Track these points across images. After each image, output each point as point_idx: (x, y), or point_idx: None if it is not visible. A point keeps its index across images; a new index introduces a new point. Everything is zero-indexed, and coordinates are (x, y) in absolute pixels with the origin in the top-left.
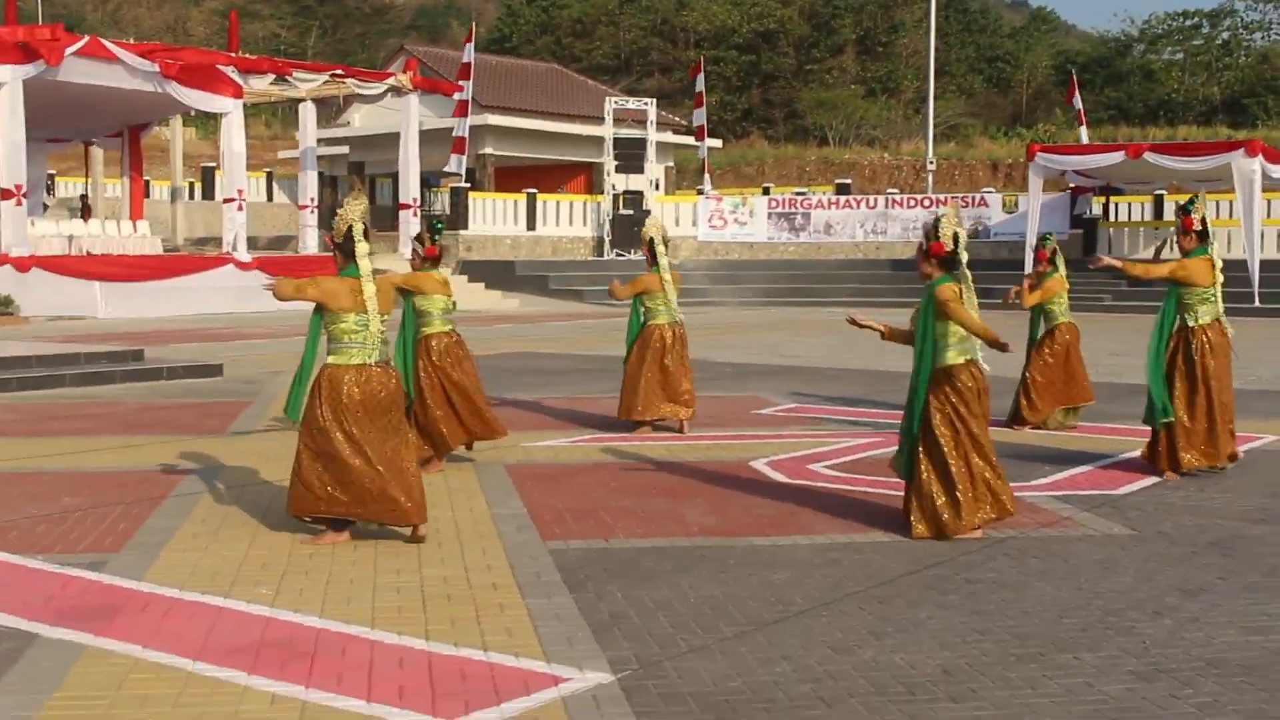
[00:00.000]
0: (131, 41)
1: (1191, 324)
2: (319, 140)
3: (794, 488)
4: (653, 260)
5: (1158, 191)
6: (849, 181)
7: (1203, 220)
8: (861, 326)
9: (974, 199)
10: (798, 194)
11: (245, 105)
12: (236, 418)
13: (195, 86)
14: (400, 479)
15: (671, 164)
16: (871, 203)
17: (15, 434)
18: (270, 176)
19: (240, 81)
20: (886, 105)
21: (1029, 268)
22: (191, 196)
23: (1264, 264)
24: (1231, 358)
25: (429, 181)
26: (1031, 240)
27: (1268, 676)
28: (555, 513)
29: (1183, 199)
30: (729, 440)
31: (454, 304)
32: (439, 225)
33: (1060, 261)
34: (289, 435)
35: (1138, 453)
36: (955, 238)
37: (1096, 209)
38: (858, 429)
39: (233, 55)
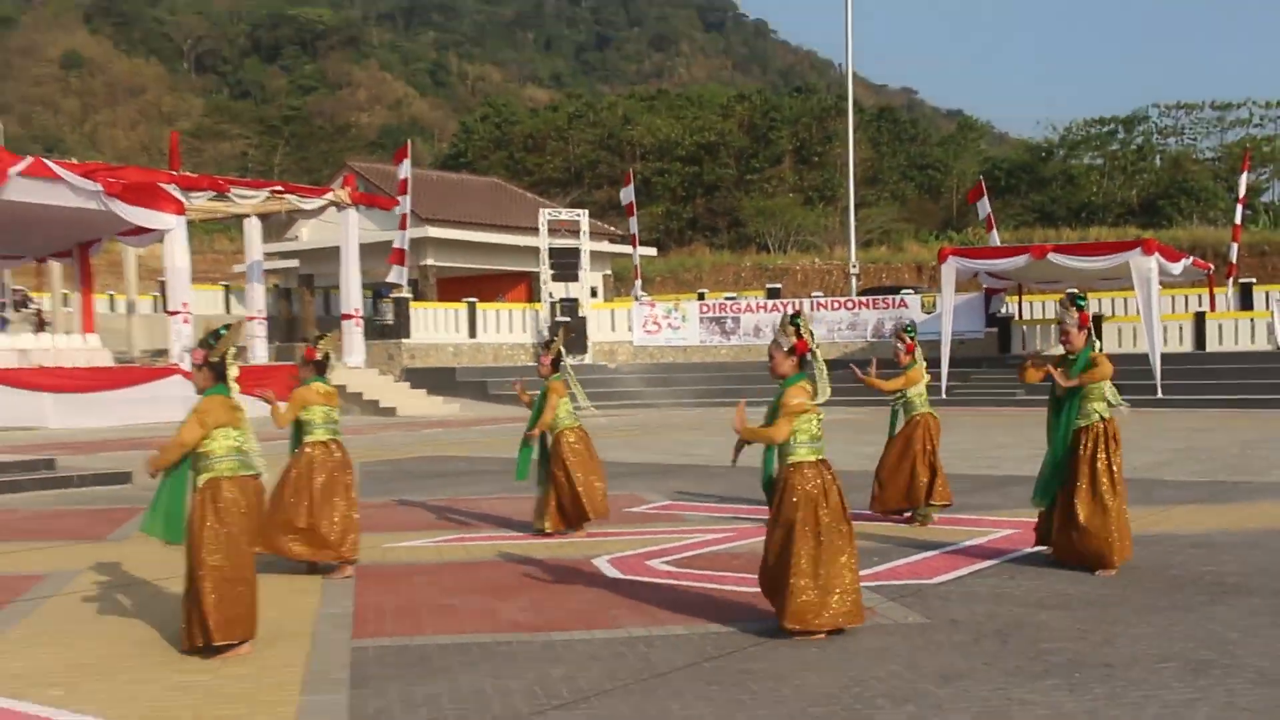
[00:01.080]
0: (77, 162)
1: (1096, 420)
2: (272, 254)
3: (623, 583)
4: (554, 370)
5: (1069, 291)
6: (779, 286)
7: (1096, 317)
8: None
9: (894, 300)
10: (728, 299)
11: (191, 221)
12: (123, 524)
13: (138, 204)
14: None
15: (609, 272)
16: (797, 306)
17: None
18: (227, 290)
19: (182, 199)
20: (823, 212)
21: (945, 365)
22: (155, 309)
23: (1164, 357)
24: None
25: (380, 292)
26: (947, 339)
27: None
28: (378, 611)
29: (1094, 296)
30: (584, 539)
31: (336, 413)
32: (321, 334)
33: (919, 354)
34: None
35: (979, 541)
36: (812, 335)
37: (1011, 308)
38: (715, 525)
39: (174, 173)
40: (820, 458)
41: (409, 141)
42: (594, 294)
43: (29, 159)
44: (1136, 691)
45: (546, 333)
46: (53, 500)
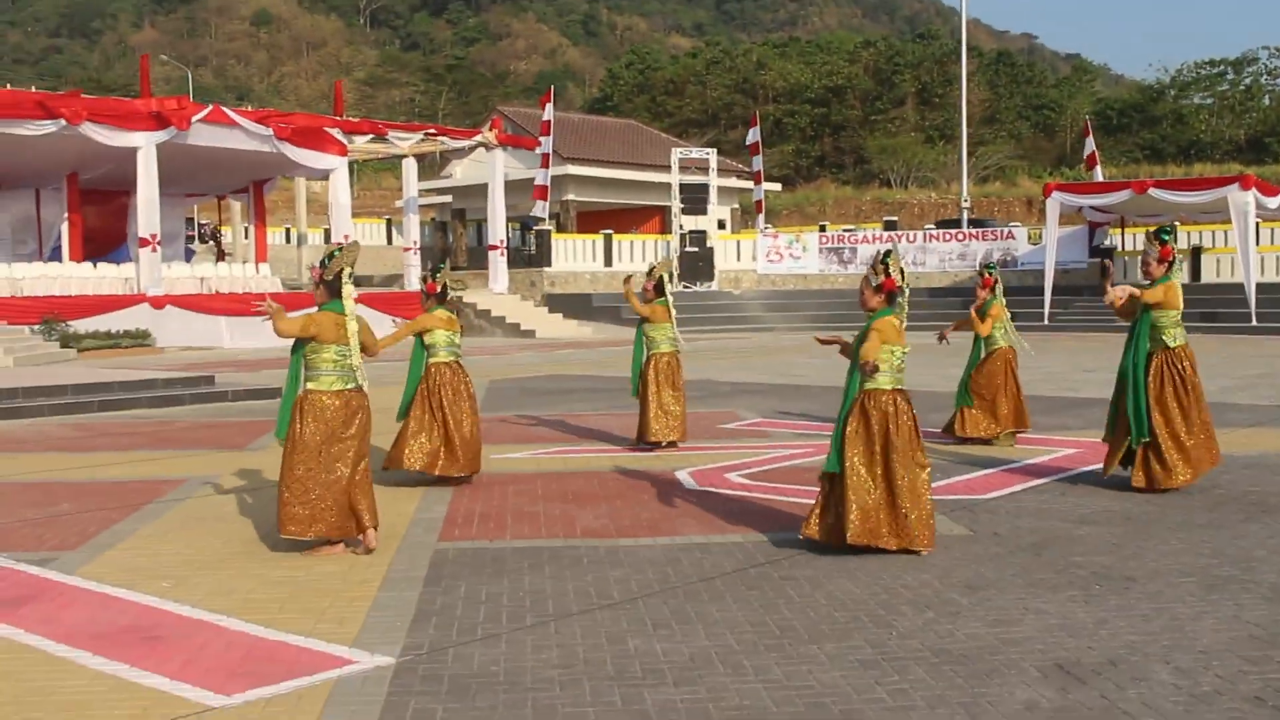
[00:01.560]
0: (252, 109)
1: (1172, 345)
2: (429, 190)
3: (698, 494)
4: (659, 294)
5: (1170, 224)
6: (896, 219)
7: (1174, 249)
8: (825, 343)
9: (1003, 232)
10: (846, 230)
11: (356, 162)
12: (264, 435)
13: (305, 147)
14: (365, 492)
15: (737, 206)
16: (912, 237)
17: (66, 449)
18: (389, 223)
19: (345, 141)
20: (942, 150)
21: (1048, 293)
22: (326, 241)
23: (1259, 287)
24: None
25: (527, 225)
26: (1050, 268)
27: (971, 665)
28: (468, 516)
29: (1194, 230)
30: (675, 453)
31: (458, 337)
32: (440, 266)
33: (1000, 290)
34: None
35: (1041, 459)
36: (902, 273)
37: (1114, 240)
38: (799, 441)
39: (338, 119)
40: (898, 388)
41: (551, 88)
42: (721, 226)
43: (209, 107)
44: (1149, 604)
45: (661, 262)
46: (210, 413)
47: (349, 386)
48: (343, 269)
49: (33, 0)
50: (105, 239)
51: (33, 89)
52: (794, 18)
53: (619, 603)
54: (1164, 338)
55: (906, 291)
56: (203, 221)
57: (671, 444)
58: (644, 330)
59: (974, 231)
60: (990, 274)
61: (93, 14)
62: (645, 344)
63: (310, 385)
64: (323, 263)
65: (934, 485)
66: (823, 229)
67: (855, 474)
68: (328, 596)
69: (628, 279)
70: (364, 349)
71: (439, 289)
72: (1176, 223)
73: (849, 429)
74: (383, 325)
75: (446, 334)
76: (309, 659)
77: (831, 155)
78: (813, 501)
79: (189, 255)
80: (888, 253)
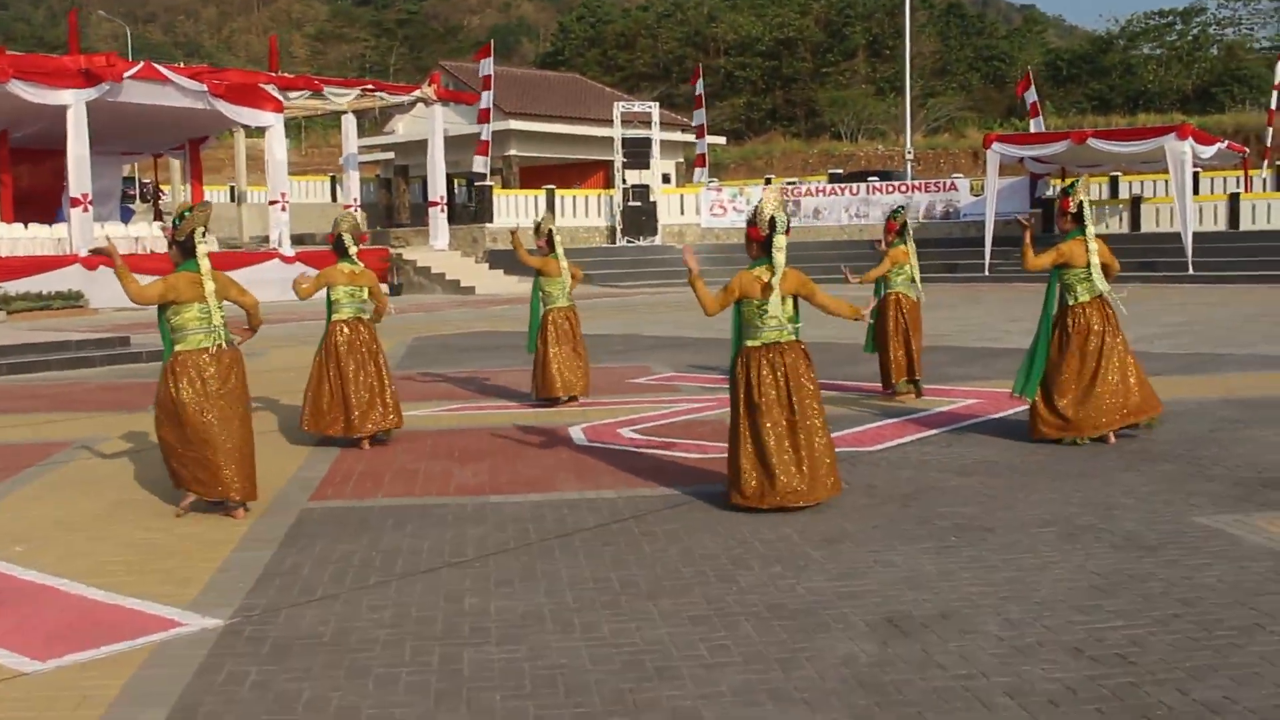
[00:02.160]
0: (186, 65)
1: (1070, 303)
2: (372, 147)
3: (586, 449)
4: (550, 249)
5: (1112, 174)
6: (840, 171)
7: (1079, 204)
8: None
9: (944, 184)
10: (788, 183)
11: (298, 120)
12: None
13: (240, 104)
14: (239, 455)
15: (682, 160)
16: (854, 190)
17: None
18: (334, 180)
19: (280, 98)
20: (893, 102)
21: (989, 244)
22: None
23: (1196, 236)
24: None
25: (473, 180)
26: (990, 219)
27: (802, 620)
28: (347, 475)
29: (1135, 180)
30: (574, 408)
31: (364, 294)
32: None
33: (909, 235)
34: None
35: (940, 410)
36: (772, 221)
37: (1054, 191)
38: (703, 395)
39: (273, 75)
40: (784, 340)
41: (490, 42)
42: (666, 180)
43: (140, 63)
44: (1000, 556)
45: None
46: (120, 374)
47: (217, 344)
48: (194, 229)
49: None
50: (44, 199)
51: None
52: None
53: (468, 560)
54: (1067, 295)
55: (780, 244)
56: (145, 180)
57: (572, 399)
58: (540, 285)
59: (917, 183)
60: (895, 219)
61: None
62: (541, 299)
63: (179, 347)
64: (174, 223)
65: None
66: (768, 181)
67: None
68: (178, 558)
69: (514, 231)
70: (241, 305)
71: (343, 239)
72: (1085, 176)
73: None
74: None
75: (348, 289)
76: (138, 622)
77: (783, 108)
78: (699, 455)
79: (127, 215)
80: (757, 208)
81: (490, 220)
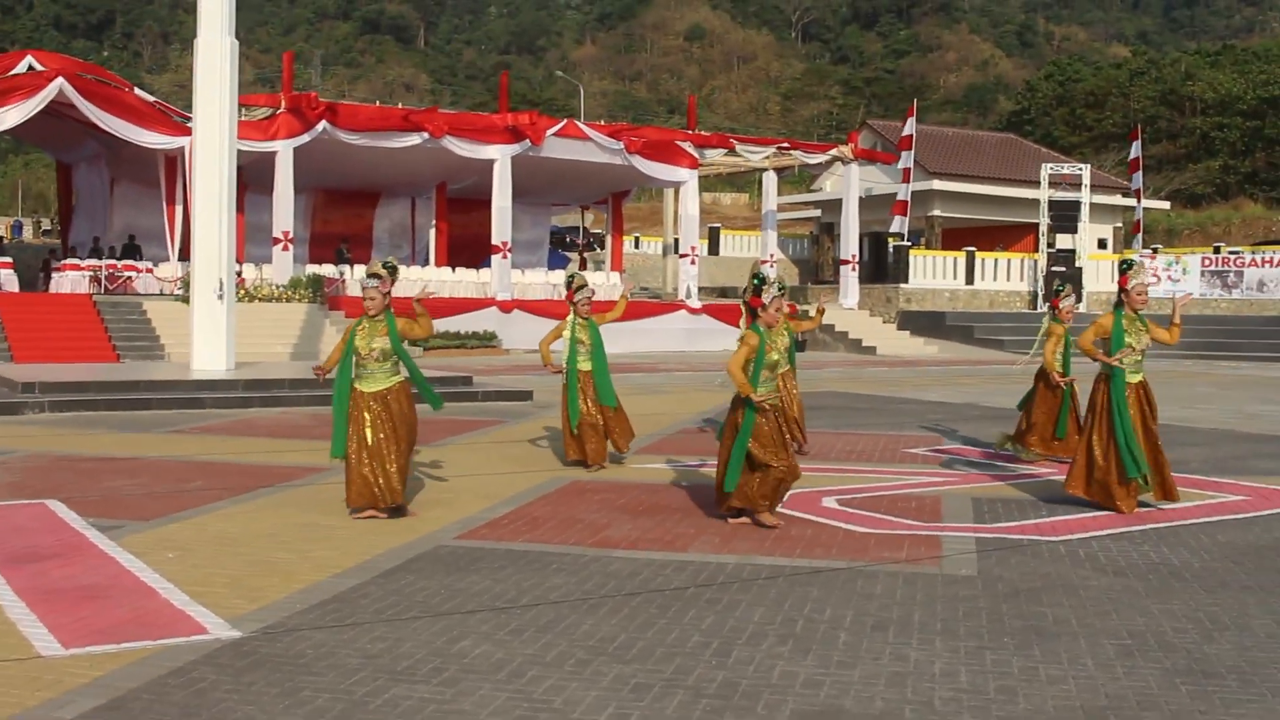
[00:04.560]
0: (605, 123)
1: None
2: (798, 204)
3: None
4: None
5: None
6: None
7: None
8: None
9: None
10: (1231, 253)
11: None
12: (464, 433)
13: (656, 160)
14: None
15: (1120, 224)
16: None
17: (277, 435)
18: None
19: (696, 155)
20: None
21: None
22: (714, 251)
23: None
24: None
25: (913, 240)
26: None
27: (732, 700)
28: (522, 519)
29: None
30: (822, 473)
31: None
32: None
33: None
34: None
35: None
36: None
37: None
38: (960, 470)
39: (689, 132)
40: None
41: (914, 101)
42: (1102, 245)
43: (563, 121)
44: (1029, 662)
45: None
46: (448, 411)
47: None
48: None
49: (488, 20)
50: (474, 247)
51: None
52: (1250, 23)
53: (505, 609)
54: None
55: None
56: (595, 230)
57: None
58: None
59: None
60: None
61: (539, 32)
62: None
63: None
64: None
65: (1025, 523)
66: (1216, 250)
67: None
68: (278, 576)
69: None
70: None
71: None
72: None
73: None
74: (727, 338)
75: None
76: (174, 626)
77: (1264, 171)
78: (866, 530)
79: (561, 262)
80: (755, 274)
81: (906, 280)
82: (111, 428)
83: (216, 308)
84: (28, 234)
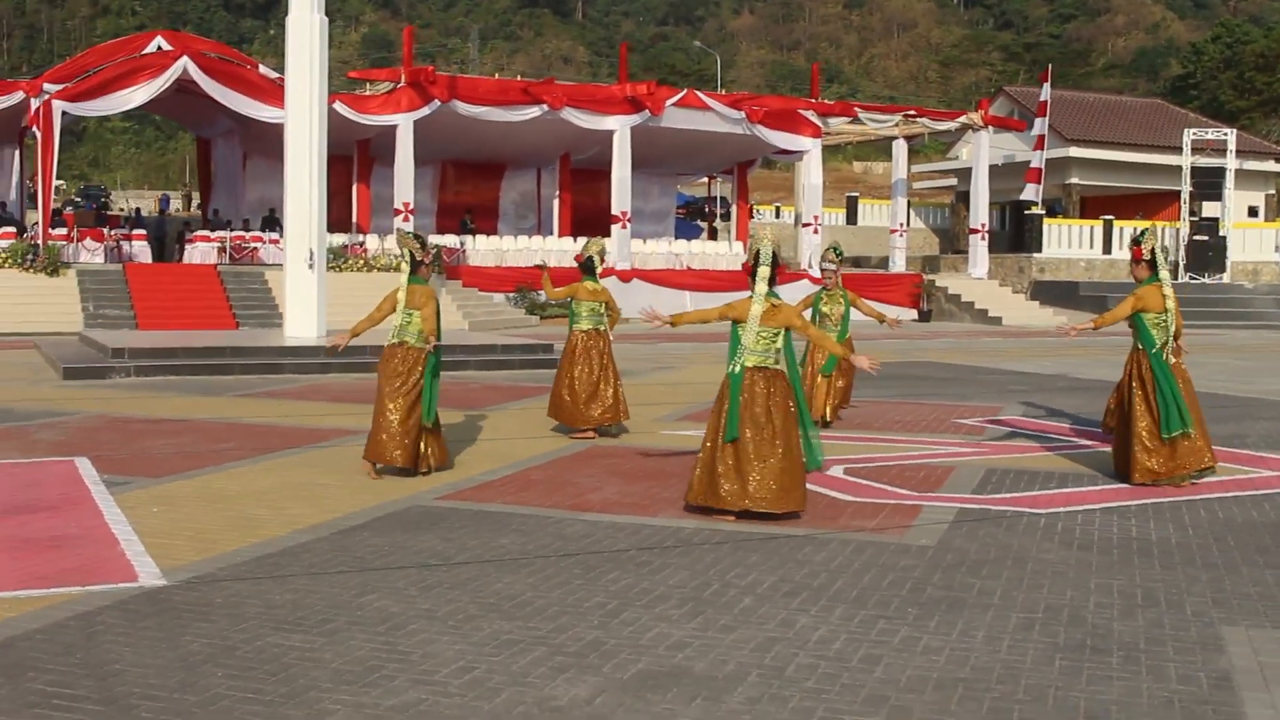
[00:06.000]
0: (726, 93)
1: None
2: (934, 172)
3: None
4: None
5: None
6: None
7: (1152, 251)
8: None
9: None
10: None
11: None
12: (522, 399)
13: (779, 129)
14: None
15: (1273, 191)
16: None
17: (338, 399)
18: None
19: (819, 124)
20: None
21: None
22: (851, 220)
23: None
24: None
25: (1054, 209)
26: None
27: (581, 659)
28: (516, 482)
29: None
30: (845, 440)
31: (602, 307)
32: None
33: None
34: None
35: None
36: (757, 255)
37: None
38: (1003, 441)
39: (812, 101)
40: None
41: (1049, 66)
42: (1254, 214)
43: (683, 91)
44: (917, 633)
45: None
46: (518, 378)
47: (394, 341)
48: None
49: None
50: (598, 218)
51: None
52: None
53: (452, 564)
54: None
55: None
56: (723, 196)
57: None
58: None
59: None
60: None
61: (697, 2)
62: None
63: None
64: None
65: (1020, 494)
66: None
67: None
68: (243, 530)
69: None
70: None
71: (586, 259)
72: (1155, 223)
73: None
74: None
75: (590, 304)
76: (111, 572)
77: None
78: (853, 499)
79: (693, 232)
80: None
81: (1039, 250)
82: (185, 391)
83: (307, 276)
84: (176, 208)
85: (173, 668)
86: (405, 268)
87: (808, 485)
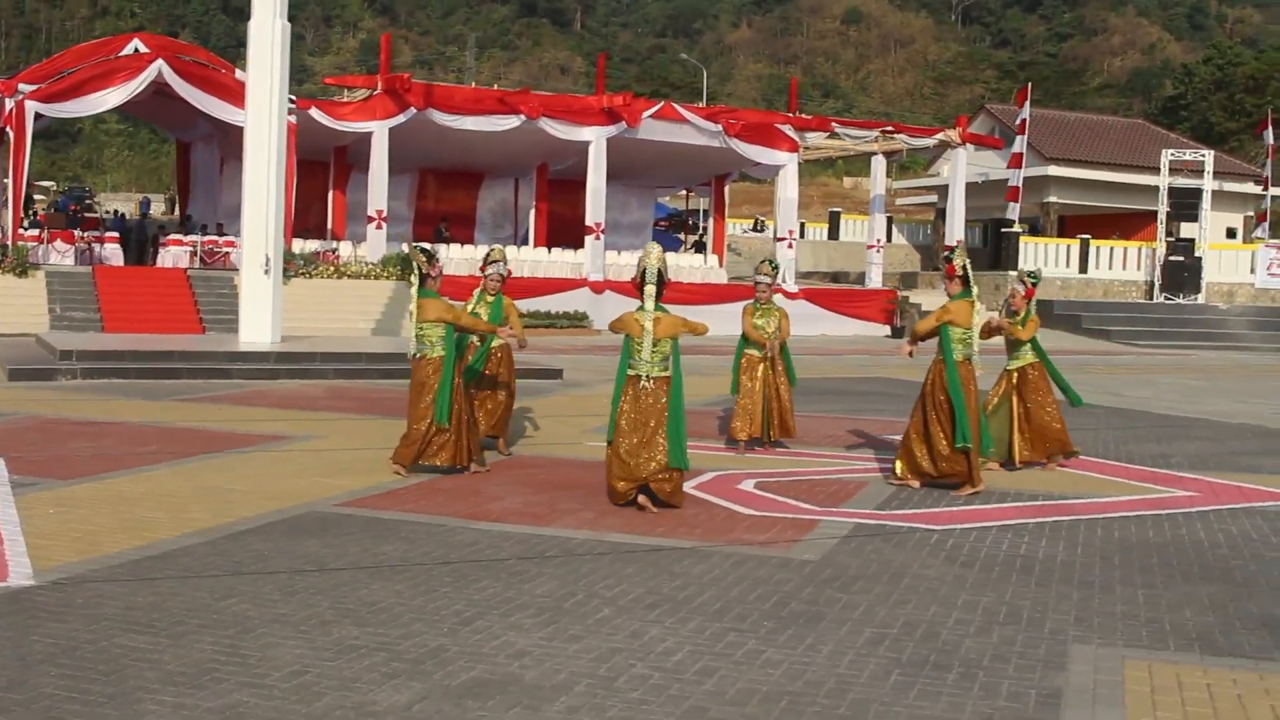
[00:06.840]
0: (704, 106)
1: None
2: (914, 189)
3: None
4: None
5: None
6: None
7: (964, 268)
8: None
9: None
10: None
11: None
12: None
13: (755, 143)
14: None
15: (1252, 213)
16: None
17: (277, 405)
18: (889, 220)
19: (796, 138)
20: None
21: None
22: (834, 235)
23: None
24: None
25: (1034, 227)
26: None
27: (412, 666)
28: (426, 490)
29: None
30: (766, 455)
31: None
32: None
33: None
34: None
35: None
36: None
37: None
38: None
39: (789, 115)
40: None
41: (1028, 85)
42: (1231, 235)
43: (660, 103)
44: (737, 643)
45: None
46: None
47: (416, 354)
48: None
49: (645, 3)
50: (573, 228)
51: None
52: None
53: (337, 571)
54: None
55: None
56: (692, 209)
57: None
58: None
59: None
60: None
61: (696, 15)
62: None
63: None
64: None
65: (921, 511)
66: None
67: None
68: (139, 531)
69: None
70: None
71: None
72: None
73: None
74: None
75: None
76: None
77: None
78: (754, 513)
79: (673, 244)
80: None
81: (1014, 267)
82: (127, 394)
83: (263, 282)
84: (156, 211)
85: (9, 666)
86: (414, 281)
87: (710, 497)
